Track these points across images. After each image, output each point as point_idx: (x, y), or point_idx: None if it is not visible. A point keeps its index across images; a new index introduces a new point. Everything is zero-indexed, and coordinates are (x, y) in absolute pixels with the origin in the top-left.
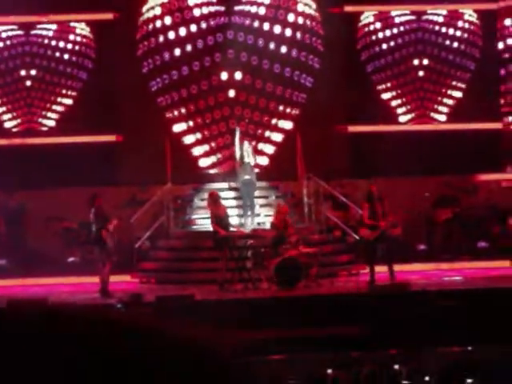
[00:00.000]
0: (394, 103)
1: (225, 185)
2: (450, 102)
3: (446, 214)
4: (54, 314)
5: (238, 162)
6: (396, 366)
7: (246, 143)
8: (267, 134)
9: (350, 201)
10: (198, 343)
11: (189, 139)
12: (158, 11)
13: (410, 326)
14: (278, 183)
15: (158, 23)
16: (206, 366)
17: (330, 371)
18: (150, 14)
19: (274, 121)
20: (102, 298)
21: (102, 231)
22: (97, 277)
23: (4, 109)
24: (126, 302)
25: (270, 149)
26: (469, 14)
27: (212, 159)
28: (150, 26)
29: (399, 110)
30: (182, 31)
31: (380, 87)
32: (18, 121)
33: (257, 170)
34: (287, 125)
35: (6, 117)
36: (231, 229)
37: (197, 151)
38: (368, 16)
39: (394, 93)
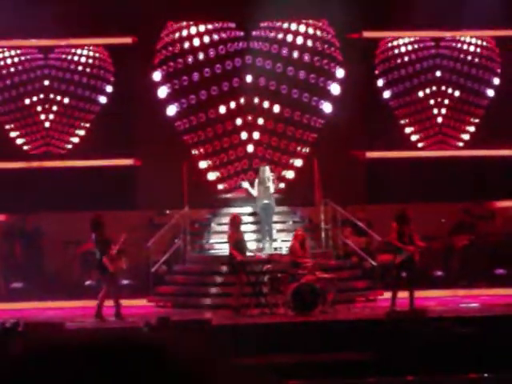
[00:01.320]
0: (411, 129)
1: (242, 209)
2: (468, 128)
3: (464, 240)
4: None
5: (257, 187)
6: None
7: (267, 168)
8: (285, 159)
9: (367, 226)
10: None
11: (206, 163)
12: (176, 36)
13: (427, 353)
14: (296, 208)
15: (177, 48)
16: None
17: None
18: (169, 39)
19: (291, 146)
20: (118, 321)
21: (103, 258)
22: (111, 300)
23: (22, 132)
24: (153, 326)
25: (287, 174)
26: (487, 40)
27: (229, 184)
28: (169, 51)
29: (417, 136)
30: (201, 56)
31: (398, 113)
32: (36, 144)
33: (276, 195)
34: (305, 150)
35: (24, 140)
36: (248, 253)
37: (214, 175)
38: (386, 42)
39: (411, 119)
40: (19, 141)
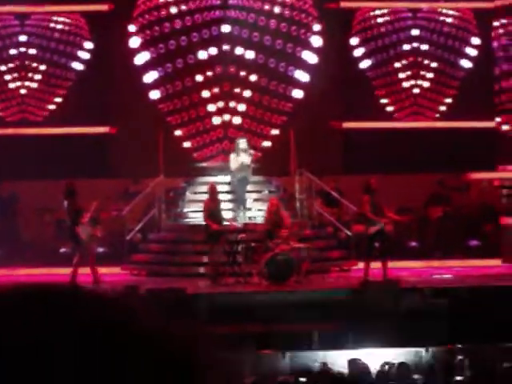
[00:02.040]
0: (388, 100)
1: (218, 178)
2: (445, 99)
3: (438, 211)
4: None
5: (234, 158)
6: (386, 364)
7: (244, 140)
8: (261, 128)
9: (342, 197)
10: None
11: (182, 132)
12: (153, 3)
13: (400, 323)
14: (271, 178)
15: (153, 16)
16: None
17: (316, 364)
18: (145, 6)
19: (267, 115)
20: (96, 288)
21: (75, 227)
22: (88, 268)
23: None
24: (121, 294)
25: (263, 143)
26: (464, 12)
27: (205, 152)
28: (145, 19)
29: (393, 107)
30: (178, 24)
31: (375, 83)
32: (12, 111)
33: (252, 165)
34: (281, 120)
35: None
36: (224, 223)
37: (190, 144)
38: (364, 12)
39: (388, 89)
40: None
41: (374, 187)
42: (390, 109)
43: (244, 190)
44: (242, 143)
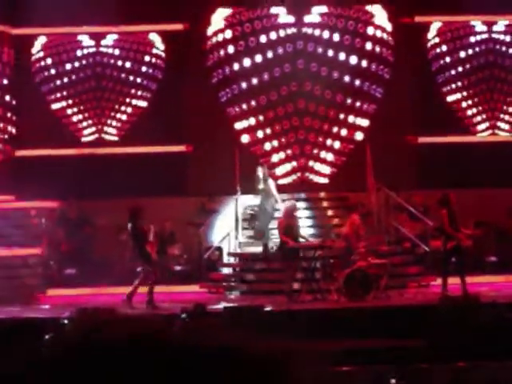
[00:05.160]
0: (464, 114)
1: (295, 196)
2: None
3: None
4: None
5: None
6: (467, 379)
7: (260, 169)
8: (336, 144)
9: (424, 211)
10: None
11: (258, 149)
12: (228, 22)
13: (480, 339)
14: (347, 194)
15: (228, 34)
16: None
17: (393, 381)
18: (220, 25)
19: (343, 131)
20: (150, 307)
21: (145, 247)
22: (156, 286)
23: (74, 119)
24: (191, 313)
25: (339, 159)
26: None
27: (281, 170)
28: (220, 37)
29: (470, 121)
30: (252, 42)
31: (450, 98)
32: (88, 131)
33: (324, 180)
34: (357, 135)
35: (76, 127)
36: (301, 240)
37: (266, 161)
38: (438, 26)
39: (464, 104)
40: (71, 128)
41: (453, 201)
42: (467, 123)
43: (265, 219)
44: (259, 171)
